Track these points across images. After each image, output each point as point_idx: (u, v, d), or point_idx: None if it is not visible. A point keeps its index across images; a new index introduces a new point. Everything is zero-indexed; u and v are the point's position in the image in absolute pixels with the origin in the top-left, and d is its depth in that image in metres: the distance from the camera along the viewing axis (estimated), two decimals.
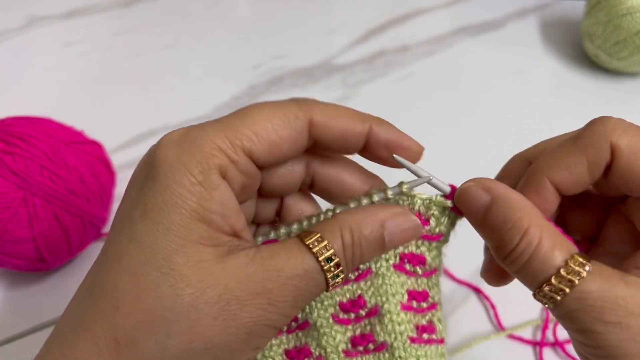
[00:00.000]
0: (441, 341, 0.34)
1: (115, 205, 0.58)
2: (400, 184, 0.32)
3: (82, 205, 0.51)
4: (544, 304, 0.28)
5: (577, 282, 0.26)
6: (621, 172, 0.29)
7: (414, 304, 0.33)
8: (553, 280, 0.27)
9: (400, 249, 0.33)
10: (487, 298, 0.54)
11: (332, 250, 0.28)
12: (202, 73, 0.78)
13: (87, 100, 0.74)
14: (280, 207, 0.35)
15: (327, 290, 0.30)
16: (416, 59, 0.79)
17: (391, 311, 0.32)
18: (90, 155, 0.54)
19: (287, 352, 0.33)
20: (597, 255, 0.34)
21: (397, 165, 0.32)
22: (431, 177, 0.32)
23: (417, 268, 0.34)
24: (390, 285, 0.32)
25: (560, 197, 0.31)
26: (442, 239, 0.34)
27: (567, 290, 0.27)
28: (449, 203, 0.32)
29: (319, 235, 0.29)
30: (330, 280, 0.29)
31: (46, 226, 0.49)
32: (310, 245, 0.28)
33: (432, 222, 0.33)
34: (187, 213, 0.26)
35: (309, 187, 0.34)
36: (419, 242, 0.34)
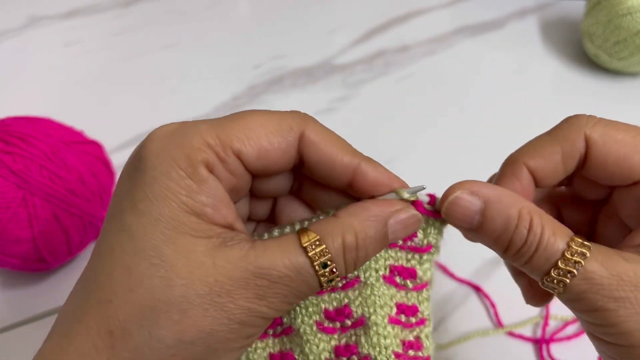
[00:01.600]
0: (427, 359, 0.33)
1: None
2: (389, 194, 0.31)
3: (82, 205, 0.51)
4: (553, 290, 0.29)
5: (583, 262, 0.27)
6: (597, 161, 0.30)
7: (403, 318, 0.32)
8: (560, 264, 0.28)
9: (391, 261, 0.33)
10: (487, 297, 0.54)
11: (328, 256, 0.28)
12: (202, 73, 0.78)
13: (87, 100, 0.74)
14: (274, 206, 0.35)
15: (320, 289, 0.29)
16: (416, 59, 0.79)
17: (378, 323, 0.31)
18: (90, 155, 0.54)
19: (271, 356, 0.32)
20: None
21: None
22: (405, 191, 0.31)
23: (408, 281, 0.33)
24: (379, 296, 0.31)
25: (534, 188, 0.32)
26: (432, 250, 0.33)
27: (575, 271, 0.27)
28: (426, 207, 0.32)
29: (317, 237, 0.28)
30: (324, 284, 0.28)
31: (46, 226, 0.49)
32: (307, 248, 0.28)
33: (420, 234, 0.33)
34: (176, 205, 0.26)
35: (297, 191, 0.34)
36: (409, 256, 0.33)
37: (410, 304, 0.33)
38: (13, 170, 0.48)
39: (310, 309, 0.32)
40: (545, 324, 0.52)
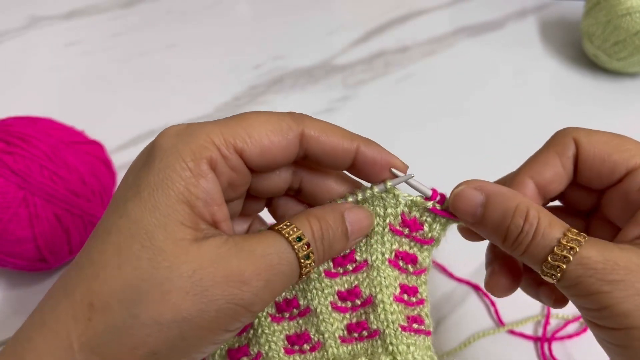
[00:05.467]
0: (428, 333, 0.36)
1: None
2: (385, 181, 0.34)
3: (83, 205, 0.51)
4: (551, 277, 0.30)
5: (577, 248, 0.29)
6: (586, 159, 0.33)
7: (405, 297, 0.36)
8: (556, 250, 0.29)
9: (396, 246, 0.36)
10: (486, 295, 0.54)
11: (300, 231, 0.31)
12: (202, 73, 0.78)
13: (87, 100, 0.74)
14: (269, 204, 0.37)
15: (300, 274, 0.31)
16: (416, 59, 0.80)
17: (384, 301, 0.34)
18: (90, 155, 0.54)
19: (288, 338, 0.35)
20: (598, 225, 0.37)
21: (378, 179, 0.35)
22: (413, 175, 0.35)
23: (409, 266, 0.36)
24: (385, 277, 0.35)
25: (541, 198, 0.35)
26: (433, 243, 0.37)
27: (570, 256, 0.29)
28: (429, 204, 0.35)
29: (287, 221, 0.31)
30: (302, 260, 0.30)
31: (47, 226, 0.49)
32: (279, 229, 0.31)
33: (426, 227, 0.36)
34: (174, 194, 0.28)
35: (295, 192, 0.36)
36: (412, 244, 0.36)
37: (411, 285, 0.36)
38: (14, 170, 0.48)
39: (326, 291, 0.35)
40: (547, 322, 0.52)
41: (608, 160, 0.33)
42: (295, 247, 0.30)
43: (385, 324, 0.34)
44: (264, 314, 0.35)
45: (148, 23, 0.85)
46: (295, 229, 0.31)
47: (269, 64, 0.79)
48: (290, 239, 0.30)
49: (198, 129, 0.30)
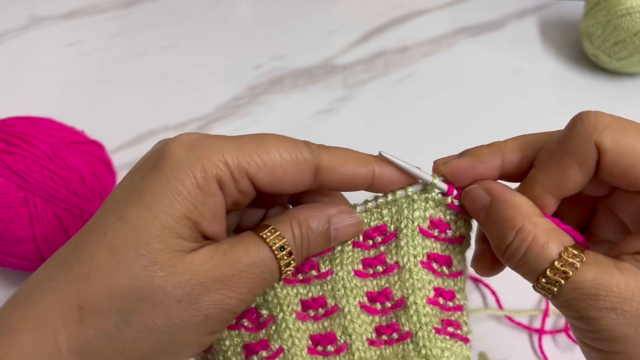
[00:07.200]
0: (466, 340, 0.34)
1: None
2: (405, 187, 0.34)
3: (83, 205, 0.51)
4: (543, 295, 0.30)
5: (571, 273, 0.28)
6: (608, 168, 0.30)
7: (441, 300, 0.34)
8: (548, 273, 0.29)
9: (428, 249, 0.34)
10: (487, 286, 0.55)
11: (284, 240, 0.31)
12: (202, 73, 0.78)
13: (87, 100, 0.74)
14: (264, 216, 0.37)
15: (279, 278, 0.31)
16: (416, 59, 0.80)
17: (417, 303, 0.33)
18: (90, 156, 0.54)
19: (312, 337, 0.33)
20: (588, 242, 0.35)
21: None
22: (434, 179, 0.34)
23: (444, 268, 0.35)
24: (417, 280, 0.33)
25: (558, 200, 0.32)
26: (463, 242, 0.35)
27: (562, 281, 0.28)
28: (447, 200, 0.34)
29: (271, 227, 0.31)
30: (283, 267, 0.31)
31: (47, 226, 0.50)
32: (264, 236, 0.31)
33: (453, 225, 0.35)
34: (180, 209, 0.28)
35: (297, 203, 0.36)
36: (444, 246, 0.35)
37: (447, 289, 0.34)
38: (14, 170, 0.48)
39: (355, 291, 0.33)
40: (545, 314, 0.53)
41: (631, 173, 0.29)
42: (278, 256, 0.30)
43: (418, 325, 0.32)
44: (289, 309, 0.33)
45: (148, 23, 0.85)
46: (279, 238, 0.31)
47: (269, 64, 0.79)
48: (273, 248, 0.30)
49: (213, 143, 0.29)
